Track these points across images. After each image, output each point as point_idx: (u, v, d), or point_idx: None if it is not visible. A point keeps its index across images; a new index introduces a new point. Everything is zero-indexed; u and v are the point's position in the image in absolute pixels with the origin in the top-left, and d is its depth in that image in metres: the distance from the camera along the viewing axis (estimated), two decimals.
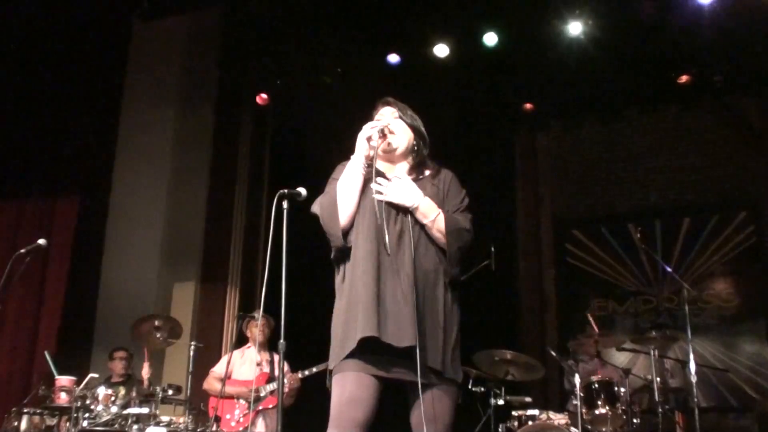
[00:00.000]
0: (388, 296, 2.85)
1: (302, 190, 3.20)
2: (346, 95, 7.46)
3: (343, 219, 2.98)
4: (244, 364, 6.34)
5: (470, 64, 7.36)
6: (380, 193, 2.94)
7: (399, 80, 7.21)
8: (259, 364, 6.28)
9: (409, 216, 2.97)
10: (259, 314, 6.14)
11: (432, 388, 2.87)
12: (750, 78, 7.55)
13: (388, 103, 3.23)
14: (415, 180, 3.08)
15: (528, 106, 7.80)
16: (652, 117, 8.65)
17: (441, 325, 2.91)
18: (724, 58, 7.16)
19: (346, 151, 3.15)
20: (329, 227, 3.01)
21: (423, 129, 3.21)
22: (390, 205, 2.97)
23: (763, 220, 8.29)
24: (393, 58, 7.26)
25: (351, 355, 2.84)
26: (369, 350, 2.83)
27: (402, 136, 3.12)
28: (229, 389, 6.08)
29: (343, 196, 2.99)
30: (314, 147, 7.44)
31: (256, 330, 6.32)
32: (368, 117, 3.22)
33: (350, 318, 2.88)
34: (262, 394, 6.11)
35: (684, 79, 7.29)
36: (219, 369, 6.25)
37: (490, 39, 7.02)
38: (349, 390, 2.83)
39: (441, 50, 7.16)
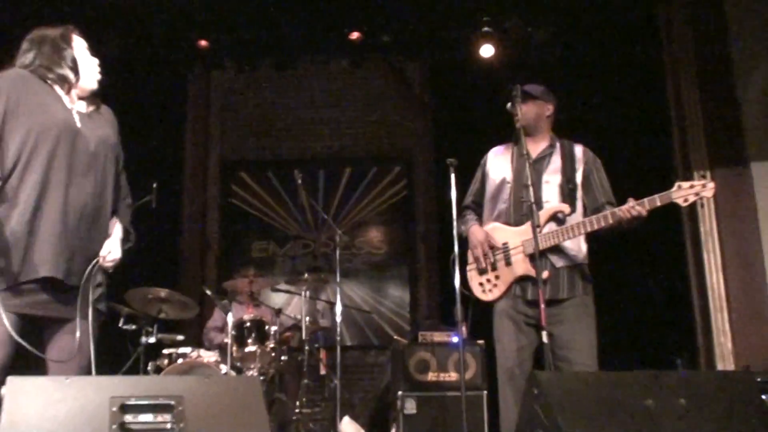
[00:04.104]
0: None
1: None
2: None
3: None
4: None
5: None
6: None
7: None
8: None
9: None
10: None
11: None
12: (415, 43, 8.20)
13: None
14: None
15: (203, 42, 7.76)
16: (324, 68, 9.02)
17: None
18: (393, 20, 7.69)
19: None
20: None
21: None
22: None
23: (414, 176, 9.12)
24: None
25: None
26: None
27: None
28: None
29: None
30: None
31: None
32: None
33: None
34: None
35: (355, 35, 7.73)
36: None
37: None
38: None
39: None
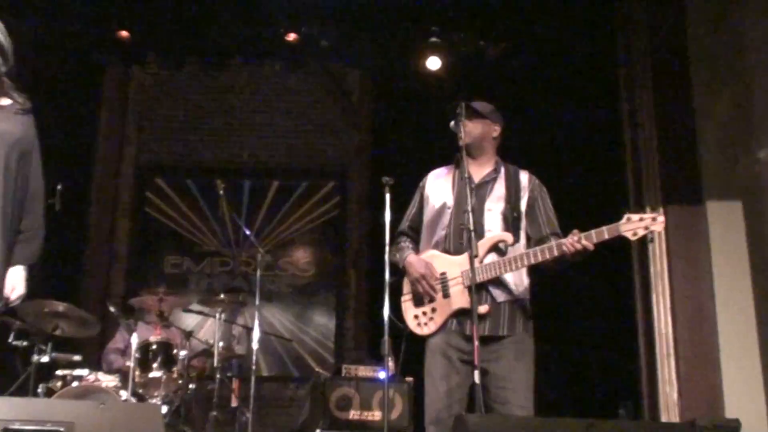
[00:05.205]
0: None
1: None
2: None
3: None
4: None
5: None
6: None
7: None
8: None
9: None
10: None
11: None
12: (357, 49, 8.23)
13: None
14: None
15: (123, 33, 7.65)
16: (257, 70, 9.05)
17: None
18: (334, 23, 7.70)
19: None
20: None
21: None
22: None
23: (348, 193, 9.14)
24: None
25: None
26: None
27: None
28: None
29: None
30: None
31: None
32: None
33: None
34: None
35: (291, 36, 7.72)
36: None
37: None
38: None
39: None
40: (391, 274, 4.16)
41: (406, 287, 4.16)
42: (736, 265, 5.94)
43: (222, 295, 6.59)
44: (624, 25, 6.75)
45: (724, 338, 5.82)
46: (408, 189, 4.46)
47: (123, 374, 5.92)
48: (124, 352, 6.54)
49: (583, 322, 7.06)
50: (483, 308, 3.81)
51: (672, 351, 5.95)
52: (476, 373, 3.49)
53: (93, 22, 7.51)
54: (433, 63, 7.65)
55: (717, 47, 6.27)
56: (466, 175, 3.83)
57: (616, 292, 6.72)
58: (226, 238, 8.97)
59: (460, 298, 3.93)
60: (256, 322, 6.26)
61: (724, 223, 6.03)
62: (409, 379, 5.69)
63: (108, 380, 5.73)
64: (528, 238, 4.08)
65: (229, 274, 8.91)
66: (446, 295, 3.99)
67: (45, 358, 5.64)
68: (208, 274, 8.93)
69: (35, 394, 5.50)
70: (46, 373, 5.74)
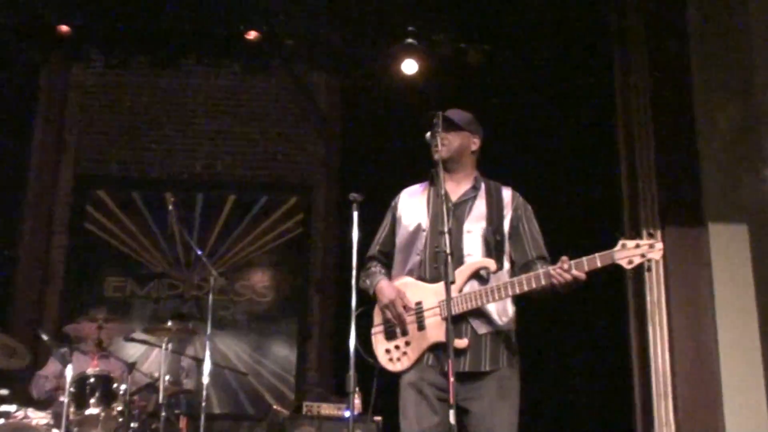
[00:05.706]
0: None
1: None
2: None
3: None
4: None
5: None
6: None
7: None
8: None
9: None
10: None
11: None
12: (324, 49, 8.21)
13: None
14: None
15: (63, 27, 7.58)
16: (213, 72, 9.01)
17: None
18: (299, 20, 7.67)
19: None
20: None
21: None
22: None
23: (313, 210, 9.09)
24: None
25: None
26: None
27: None
28: None
29: None
30: None
31: None
32: None
33: None
34: None
35: (252, 35, 7.69)
36: None
37: None
38: None
39: None
40: (360, 303, 4.07)
41: (377, 318, 4.07)
42: (740, 293, 5.93)
43: (169, 323, 6.54)
44: (620, 32, 6.76)
45: (727, 376, 5.80)
46: (379, 206, 4.38)
47: (56, 406, 5.83)
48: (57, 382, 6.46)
49: (573, 356, 7.04)
50: (462, 342, 3.74)
51: (670, 389, 5.94)
52: (451, 413, 3.41)
53: (27, 14, 7.42)
54: (409, 66, 7.63)
55: (721, 59, 6.27)
56: (443, 193, 3.78)
57: (609, 323, 6.70)
58: (175, 259, 8.89)
59: (436, 331, 3.85)
60: (208, 353, 6.16)
61: (728, 247, 6.02)
62: (378, 418, 5.63)
63: (39, 417, 5.65)
64: (512, 263, 4.03)
65: (178, 298, 8.82)
66: (421, 327, 3.91)
67: None
68: (154, 298, 8.85)
69: None
70: None
